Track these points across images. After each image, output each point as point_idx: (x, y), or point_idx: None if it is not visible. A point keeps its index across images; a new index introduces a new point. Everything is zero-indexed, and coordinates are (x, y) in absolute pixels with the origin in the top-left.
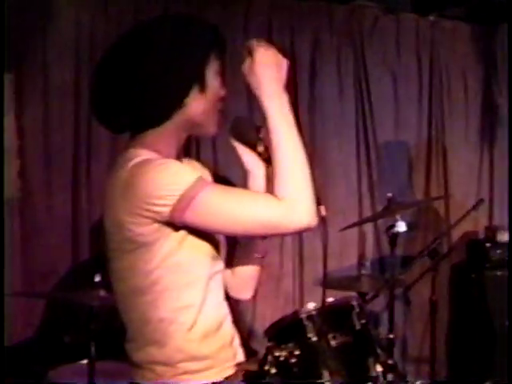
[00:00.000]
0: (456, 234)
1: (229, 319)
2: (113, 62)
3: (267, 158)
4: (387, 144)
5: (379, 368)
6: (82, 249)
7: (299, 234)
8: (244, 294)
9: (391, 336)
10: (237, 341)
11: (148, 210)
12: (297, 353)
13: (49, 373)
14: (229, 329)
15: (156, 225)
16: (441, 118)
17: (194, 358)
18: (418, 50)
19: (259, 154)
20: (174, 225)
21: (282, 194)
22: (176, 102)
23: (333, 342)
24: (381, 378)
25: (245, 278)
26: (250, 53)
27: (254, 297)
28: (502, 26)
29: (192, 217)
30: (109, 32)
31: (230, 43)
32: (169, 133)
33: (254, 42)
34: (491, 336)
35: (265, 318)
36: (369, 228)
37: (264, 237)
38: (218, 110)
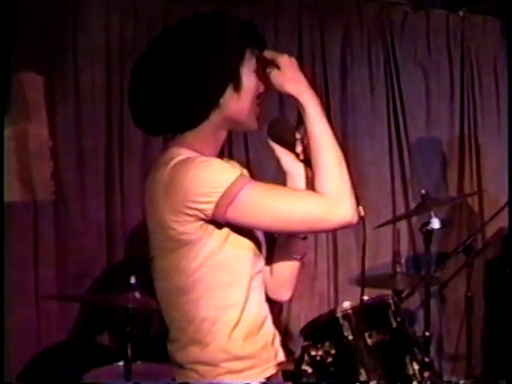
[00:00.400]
0: (490, 229)
1: (270, 319)
2: (147, 66)
3: (305, 159)
4: (420, 141)
5: (416, 366)
6: (116, 252)
7: (333, 234)
8: (282, 294)
9: (427, 334)
10: (278, 340)
11: (191, 208)
12: (333, 352)
13: (85, 375)
14: (270, 328)
15: (199, 223)
16: (473, 114)
17: (237, 358)
18: (449, 46)
19: (297, 155)
20: (218, 222)
21: (324, 191)
22: (212, 102)
23: (369, 341)
24: (418, 376)
25: (283, 279)
26: (273, 63)
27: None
28: None
29: (235, 214)
30: (138, 33)
31: None
32: (208, 132)
33: (271, 53)
34: None
35: (300, 317)
36: (403, 226)
37: (304, 237)
38: (257, 104)
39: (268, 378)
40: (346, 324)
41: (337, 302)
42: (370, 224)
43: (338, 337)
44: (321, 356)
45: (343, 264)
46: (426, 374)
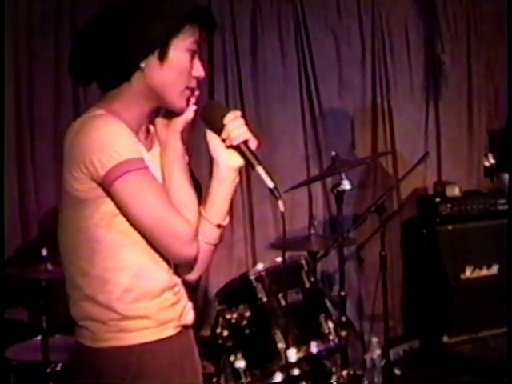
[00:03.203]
0: (406, 191)
1: (177, 288)
2: (92, 20)
3: (230, 146)
4: (332, 106)
5: (331, 324)
6: (31, 228)
7: (249, 200)
8: (189, 274)
9: (343, 293)
10: (181, 304)
11: (86, 166)
12: (248, 314)
13: (4, 351)
14: (171, 296)
15: (94, 184)
16: (385, 77)
17: (126, 318)
18: (359, 11)
19: (223, 141)
20: None
21: (191, 220)
22: (132, 61)
23: (283, 302)
24: (333, 334)
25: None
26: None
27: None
28: None
29: (116, 190)
30: (46, 12)
31: None
32: (131, 97)
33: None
34: (446, 289)
35: (218, 285)
36: (318, 189)
37: (218, 225)
38: (188, 87)
39: (168, 338)
40: (259, 286)
41: None
42: (285, 189)
43: (252, 299)
44: (236, 319)
45: (260, 230)
46: (343, 333)
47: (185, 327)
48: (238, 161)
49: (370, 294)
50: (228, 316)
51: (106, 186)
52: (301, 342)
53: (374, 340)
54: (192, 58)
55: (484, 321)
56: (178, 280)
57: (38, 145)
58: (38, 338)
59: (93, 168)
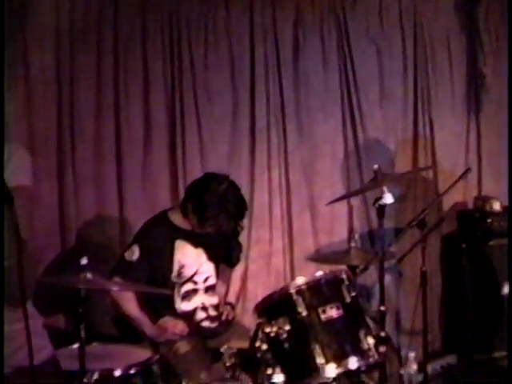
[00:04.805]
0: (446, 204)
1: None
2: None
3: None
4: (373, 116)
5: (371, 340)
6: (70, 235)
7: (288, 212)
8: None
9: (382, 308)
10: None
11: None
12: (287, 328)
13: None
14: None
15: None
16: (426, 89)
17: None
18: (401, 21)
19: None
20: None
21: None
22: None
23: (323, 316)
24: (372, 350)
25: None
26: None
27: (245, 275)
28: None
29: None
30: (88, 13)
31: (211, 19)
32: None
33: None
34: (484, 305)
35: (256, 295)
36: (358, 202)
37: None
38: None
39: None
40: (299, 300)
41: (293, 280)
42: (324, 200)
43: (291, 313)
44: (275, 332)
45: (298, 241)
46: (382, 349)
47: None
48: None
49: (409, 307)
50: (267, 329)
51: None
52: (340, 358)
53: (411, 355)
54: None
55: None
56: None
57: (78, 151)
58: (75, 346)
59: None
